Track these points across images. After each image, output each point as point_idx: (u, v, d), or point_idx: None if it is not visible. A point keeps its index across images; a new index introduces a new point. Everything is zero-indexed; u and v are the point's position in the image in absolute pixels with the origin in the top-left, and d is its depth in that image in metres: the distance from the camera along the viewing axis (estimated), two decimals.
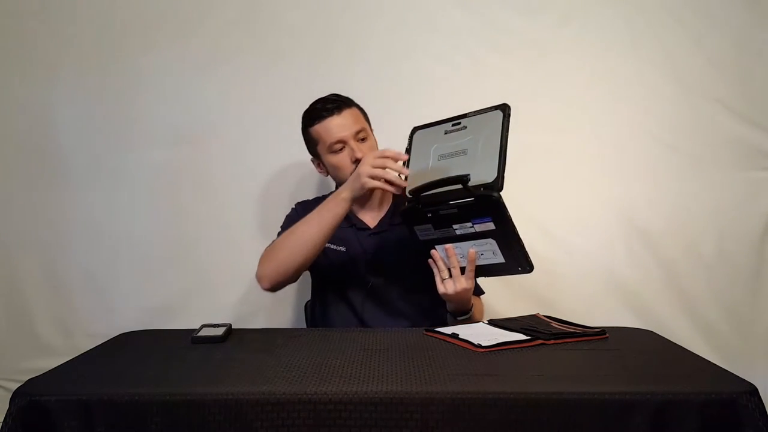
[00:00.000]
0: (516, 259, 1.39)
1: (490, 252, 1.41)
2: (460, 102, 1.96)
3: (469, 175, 1.36)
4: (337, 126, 1.59)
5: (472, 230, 1.39)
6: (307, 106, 1.97)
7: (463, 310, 1.53)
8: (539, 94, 1.99)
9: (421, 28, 1.99)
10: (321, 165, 1.67)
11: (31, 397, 1.02)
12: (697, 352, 1.30)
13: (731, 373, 1.14)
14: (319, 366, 1.15)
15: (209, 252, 2.01)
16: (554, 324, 1.45)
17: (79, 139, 2.01)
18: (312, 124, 1.63)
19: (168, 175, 2.00)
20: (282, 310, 2.02)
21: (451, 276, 1.45)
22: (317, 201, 1.67)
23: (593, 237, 2.00)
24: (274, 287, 1.54)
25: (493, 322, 1.46)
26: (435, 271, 1.47)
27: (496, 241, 1.39)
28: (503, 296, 1.90)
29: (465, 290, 1.45)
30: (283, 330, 1.57)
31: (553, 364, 1.19)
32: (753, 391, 1.03)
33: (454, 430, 1.00)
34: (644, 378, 1.10)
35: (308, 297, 1.82)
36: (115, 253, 2.01)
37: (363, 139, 1.61)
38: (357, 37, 1.99)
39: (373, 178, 1.43)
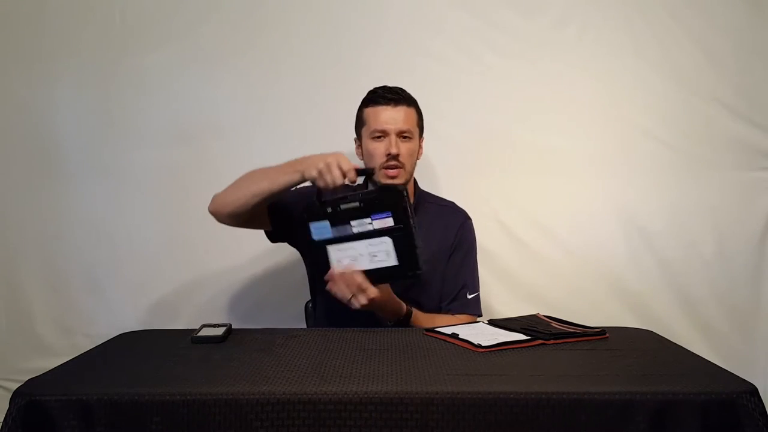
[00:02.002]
0: (409, 260, 1.39)
1: (383, 253, 1.40)
2: (460, 102, 1.98)
3: (374, 168, 1.45)
4: (386, 117, 1.61)
5: (370, 227, 1.39)
6: (309, 106, 1.98)
7: (396, 315, 1.52)
8: (539, 94, 1.99)
9: (422, 28, 1.99)
10: (360, 147, 1.69)
11: (31, 397, 1.02)
12: (697, 352, 1.31)
13: (731, 373, 1.14)
14: (319, 366, 1.15)
15: (209, 252, 2.00)
16: (554, 324, 1.46)
17: (79, 138, 2.01)
18: (366, 106, 1.66)
19: (168, 174, 2.00)
20: (282, 310, 2.02)
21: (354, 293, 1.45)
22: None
23: (593, 237, 2.00)
24: (214, 215, 1.59)
25: (493, 322, 1.46)
26: (339, 297, 1.46)
27: (393, 240, 1.39)
28: (503, 296, 1.91)
29: (370, 302, 1.44)
30: (283, 330, 1.56)
31: (553, 364, 1.19)
32: (753, 391, 1.04)
33: (454, 430, 1.00)
34: (644, 378, 1.10)
35: (308, 297, 1.82)
36: (115, 253, 2.01)
37: (406, 139, 1.62)
38: (359, 37, 1.99)
39: (320, 172, 1.41)
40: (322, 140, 1.97)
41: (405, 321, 1.54)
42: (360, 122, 1.67)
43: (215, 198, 1.60)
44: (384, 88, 1.66)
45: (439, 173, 1.95)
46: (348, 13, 1.99)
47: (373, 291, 1.44)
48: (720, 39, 1.97)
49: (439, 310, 1.65)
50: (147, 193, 2.01)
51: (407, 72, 1.93)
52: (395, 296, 1.53)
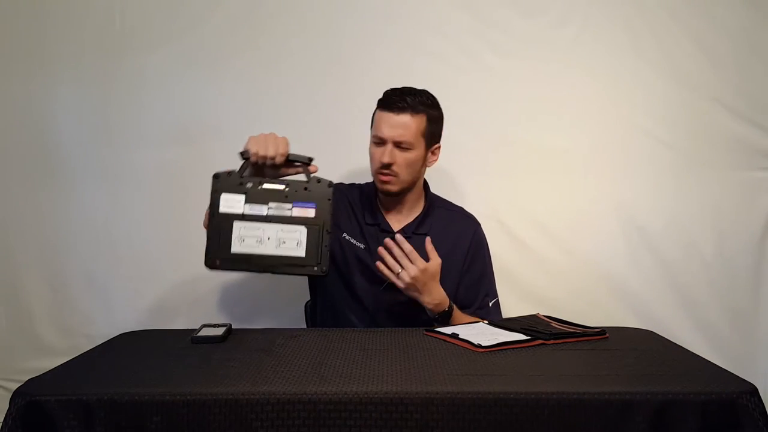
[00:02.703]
0: (316, 256, 1.39)
1: (293, 242, 1.40)
2: (460, 102, 1.98)
3: (311, 159, 1.44)
4: (387, 124, 1.59)
5: (288, 213, 1.39)
6: (309, 106, 1.98)
7: (441, 306, 1.54)
8: (539, 94, 1.99)
9: (422, 28, 1.99)
10: None
11: (31, 397, 1.02)
12: (697, 352, 1.31)
13: (731, 373, 1.14)
14: (319, 366, 1.15)
15: None
16: (554, 324, 1.46)
17: (78, 139, 2.01)
18: (378, 106, 1.63)
19: (168, 175, 2.00)
20: (282, 310, 2.02)
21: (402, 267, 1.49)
22: (352, 187, 1.74)
23: (593, 237, 2.00)
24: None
25: (493, 322, 1.46)
26: (386, 272, 1.51)
27: (308, 231, 1.39)
28: (503, 296, 1.90)
29: (422, 272, 1.48)
30: (283, 330, 1.57)
31: (553, 364, 1.19)
32: (753, 391, 1.04)
33: (454, 430, 1.00)
34: (644, 378, 1.10)
35: (308, 297, 1.82)
36: (115, 253, 2.01)
37: (404, 149, 1.59)
38: (359, 37, 1.99)
39: (257, 142, 1.44)
40: (322, 140, 1.98)
41: (447, 316, 1.54)
42: (372, 121, 1.66)
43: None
44: (397, 91, 1.61)
45: (439, 173, 1.94)
46: (348, 13, 1.99)
47: (422, 260, 1.48)
48: (720, 39, 1.97)
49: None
50: (147, 193, 2.01)
51: (407, 72, 1.92)
52: (440, 287, 1.54)
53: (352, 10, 1.99)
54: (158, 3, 1.99)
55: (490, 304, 1.68)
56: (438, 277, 1.53)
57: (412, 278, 1.49)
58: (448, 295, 1.59)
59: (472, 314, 1.63)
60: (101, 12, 1.98)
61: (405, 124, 1.58)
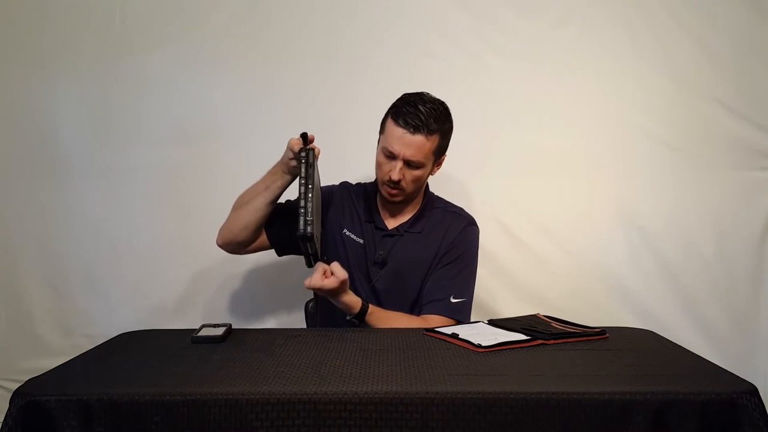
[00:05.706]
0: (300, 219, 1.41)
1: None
2: (460, 102, 1.97)
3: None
4: (400, 141, 1.56)
5: (303, 180, 1.45)
6: (309, 106, 1.98)
7: (350, 309, 1.52)
8: (539, 93, 1.99)
9: (422, 27, 1.99)
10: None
11: (31, 397, 1.02)
12: (697, 352, 1.31)
13: (731, 373, 1.14)
14: (319, 366, 1.15)
15: (209, 252, 1.99)
16: (554, 324, 1.46)
17: (79, 138, 2.01)
18: (391, 117, 1.59)
19: (168, 174, 2.00)
20: (282, 310, 2.02)
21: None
22: (357, 186, 1.76)
23: (593, 237, 2.00)
24: (225, 245, 1.67)
25: (493, 322, 1.46)
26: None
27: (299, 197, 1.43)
28: (503, 296, 1.91)
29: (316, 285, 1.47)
30: (283, 330, 1.57)
31: (553, 364, 1.19)
32: (753, 391, 1.04)
33: (454, 430, 1.00)
34: (644, 378, 1.10)
35: (308, 297, 1.82)
36: (115, 253, 2.01)
37: (414, 167, 1.58)
38: (360, 37, 1.99)
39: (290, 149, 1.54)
40: (322, 139, 1.98)
41: (360, 316, 1.52)
42: (382, 127, 1.63)
43: (221, 230, 1.66)
44: (414, 105, 1.56)
45: (439, 173, 1.95)
46: (348, 13, 1.99)
47: (313, 278, 1.47)
48: (720, 39, 1.97)
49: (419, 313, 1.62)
50: (147, 193, 2.01)
51: (407, 73, 1.94)
52: (350, 292, 1.52)
53: (353, 10, 1.99)
54: (158, 3, 1.99)
55: (452, 300, 1.60)
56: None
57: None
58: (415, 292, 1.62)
59: (425, 306, 1.60)
60: (101, 12, 1.99)
61: (419, 146, 1.56)
